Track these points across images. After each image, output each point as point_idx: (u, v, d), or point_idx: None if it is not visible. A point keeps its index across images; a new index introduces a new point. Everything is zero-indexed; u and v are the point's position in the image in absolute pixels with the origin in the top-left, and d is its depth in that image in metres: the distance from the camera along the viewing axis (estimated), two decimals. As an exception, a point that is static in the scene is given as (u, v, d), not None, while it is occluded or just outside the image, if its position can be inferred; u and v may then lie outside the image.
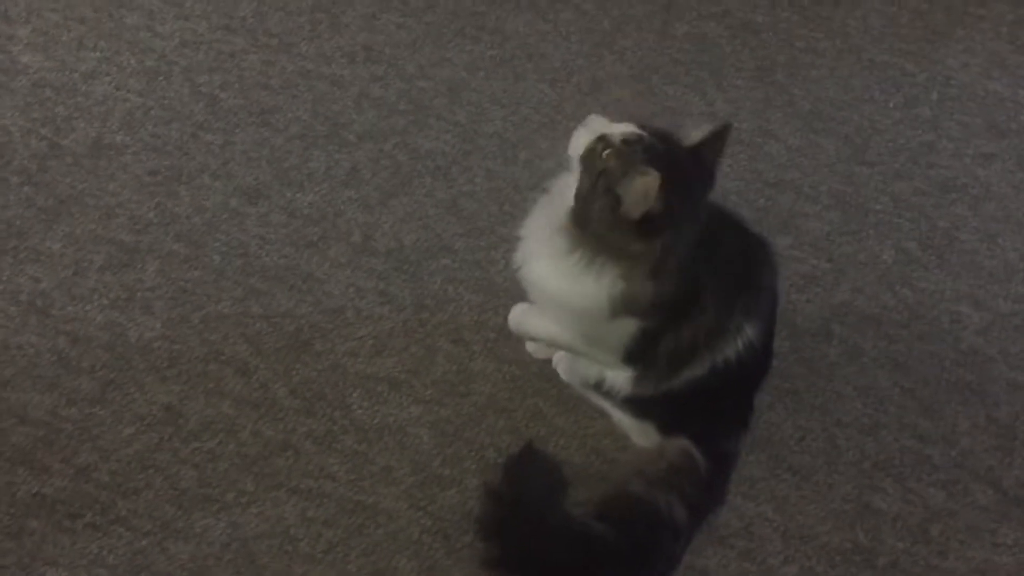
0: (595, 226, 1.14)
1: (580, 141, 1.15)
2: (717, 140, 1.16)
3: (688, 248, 1.16)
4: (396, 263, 1.53)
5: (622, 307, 1.18)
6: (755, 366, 1.27)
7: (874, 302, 1.51)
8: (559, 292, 1.21)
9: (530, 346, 1.46)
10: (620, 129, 1.14)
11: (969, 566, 1.28)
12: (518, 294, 1.30)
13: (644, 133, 1.13)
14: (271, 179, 1.60)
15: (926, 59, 1.83)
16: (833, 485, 1.34)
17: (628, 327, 1.21)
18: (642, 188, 1.08)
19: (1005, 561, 1.28)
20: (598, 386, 1.33)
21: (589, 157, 1.14)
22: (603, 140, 1.13)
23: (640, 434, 1.37)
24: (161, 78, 1.70)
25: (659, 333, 1.22)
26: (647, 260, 1.15)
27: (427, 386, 1.42)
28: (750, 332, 1.20)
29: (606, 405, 1.37)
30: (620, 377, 1.29)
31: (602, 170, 1.11)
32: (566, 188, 1.18)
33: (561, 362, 1.42)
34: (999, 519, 1.32)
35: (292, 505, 1.31)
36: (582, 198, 1.14)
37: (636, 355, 1.25)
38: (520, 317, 1.38)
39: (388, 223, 1.57)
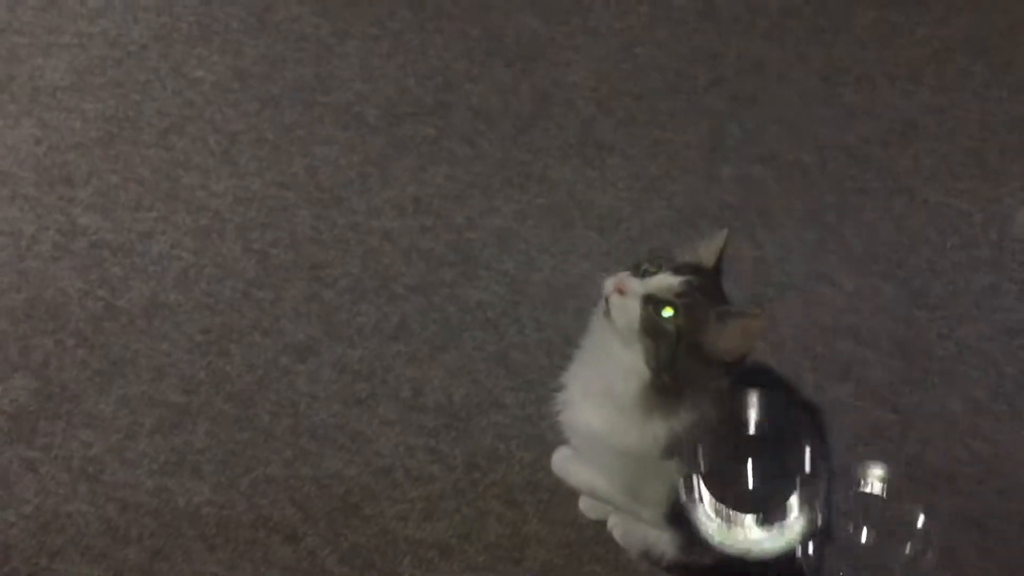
0: (683, 383, 1.11)
1: (623, 313, 1.12)
2: (723, 250, 1.16)
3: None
4: (446, 420, 1.50)
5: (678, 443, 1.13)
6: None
7: (946, 455, 1.44)
8: (606, 431, 1.17)
9: (583, 504, 1.41)
10: (655, 284, 1.12)
11: None
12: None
13: (683, 278, 1.11)
14: (321, 335, 1.60)
15: (982, 198, 1.80)
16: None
17: (674, 474, 1.15)
18: (745, 329, 1.08)
19: None
20: (647, 554, 1.28)
21: (650, 324, 1.11)
22: (651, 301, 1.10)
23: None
24: (215, 235, 1.74)
25: None
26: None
27: (479, 552, 1.37)
28: None
29: None
30: (665, 538, 1.24)
31: (677, 331, 1.09)
32: (607, 353, 1.15)
33: (617, 526, 1.37)
34: None
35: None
36: (661, 363, 1.11)
37: (681, 512, 1.19)
38: (562, 463, 1.34)
39: (438, 378, 1.55)
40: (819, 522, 1.08)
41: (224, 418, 1.50)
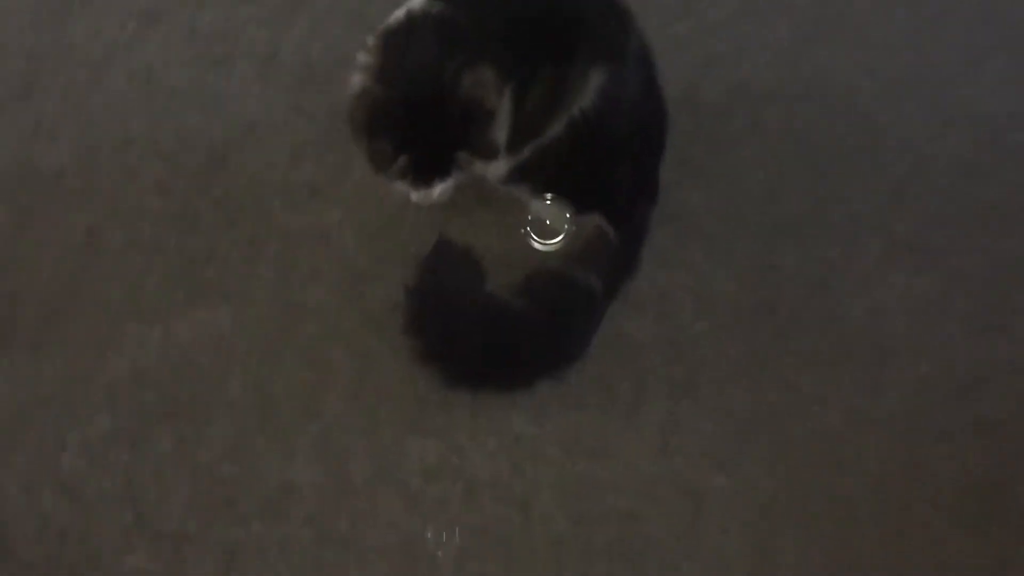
0: None
1: None
2: None
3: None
4: (305, 75, 1.53)
5: None
6: (635, 122, 1.33)
7: (774, 78, 1.56)
8: None
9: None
10: None
11: (864, 309, 1.38)
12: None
13: None
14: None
15: None
16: (739, 249, 1.42)
17: None
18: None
19: (895, 303, 1.39)
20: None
21: None
22: None
23: (555, 218, 1.42)
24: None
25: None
26: None
27: (347, 190, 1.44)
28: (600, 79, 1.24)
29: (521, 196, 1.42)
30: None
31: None
32: None
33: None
34: (890, 266, 1.41)
35: (224, 311, 1.35)
36: None
37: None
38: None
39: (293, 37, 1.56)
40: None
41: (75, 85, 1.48)
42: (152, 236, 1.38)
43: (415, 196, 1.43)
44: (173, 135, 1.46)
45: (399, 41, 1.24)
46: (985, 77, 1.57)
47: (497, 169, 1.35)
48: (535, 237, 1.29)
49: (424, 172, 1.23)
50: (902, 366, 1.34)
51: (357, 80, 1.24)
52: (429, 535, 1.23)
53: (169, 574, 1.20)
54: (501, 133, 1.24)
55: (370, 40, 1.25)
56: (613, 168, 1.35)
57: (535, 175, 1.36)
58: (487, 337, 1.31)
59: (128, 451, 1.26)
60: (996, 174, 1.48)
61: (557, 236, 1.28)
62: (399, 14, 1.25)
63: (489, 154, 1.22)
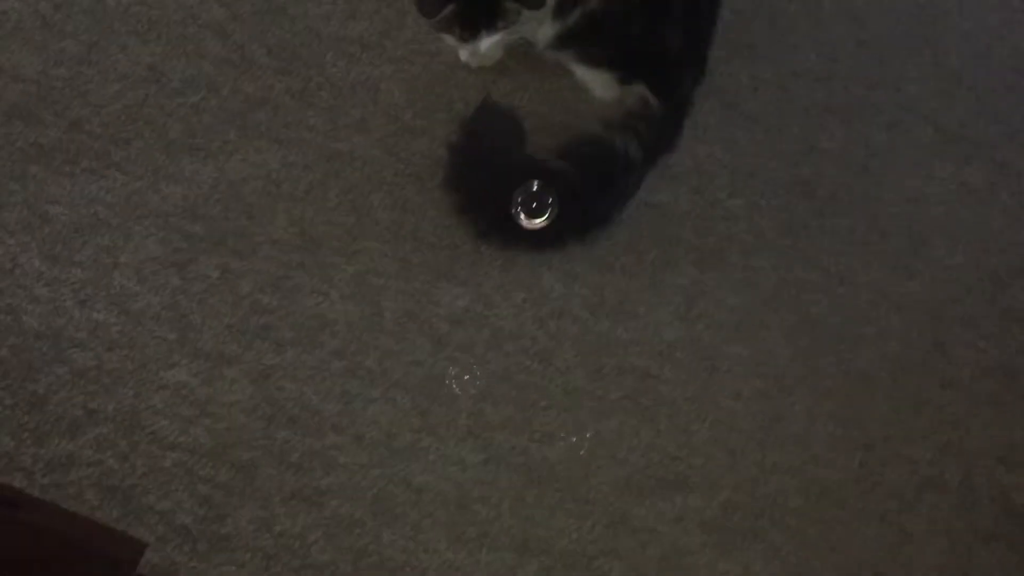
0: None
1: None
2: None
3: None
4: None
5: None
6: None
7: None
8: None
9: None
10: None
11: (903, 195, 1.38)
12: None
13: None
14: None
15: None
16: (783, 128, 1.42)
17: None
18: None
19: (936, 191, 1.38)
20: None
21: None
22: None
23: (601, 86, 1.43)
24: None
25: None
26: None
27: (398, 46, 1.47)
28: None
29: (568, 63, 1.43)
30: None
31: None
32: None
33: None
34: (936, 155, 1.40)
35: (273, 153, 1.40)
36: None
37: None
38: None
39: None
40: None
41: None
42: (209, 77, 1.43)
43: (464, 54, 1.45)
44: (234, -19, 1.50)
45: None
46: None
47: (545, 33, 1.36)
48: (523, 215, 1.30)
49: (471, 20, 1.25)
50: (936, 253, 1.34)
51: None
52: (452, 374, 1.29)
53: (207, 388, 1.28)
54: None
55: None
56: (662, 38, 1.35)
57: (582, 41, 1.37)
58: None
59: (176, 275, 1.33)
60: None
61: (544, 214, 1.30)
62: None
63: (536, 4, 1.23)
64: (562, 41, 1.37)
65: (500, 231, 1.35)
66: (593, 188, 1.34)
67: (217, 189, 1.38)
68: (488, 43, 1.30)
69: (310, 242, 1.36)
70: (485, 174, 1.37)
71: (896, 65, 1.45)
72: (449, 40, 1.33)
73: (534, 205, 1.30)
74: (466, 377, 1.30)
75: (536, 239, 1.35)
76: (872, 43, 1.47)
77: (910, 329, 1.30)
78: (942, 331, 1.29)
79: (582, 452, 1.27)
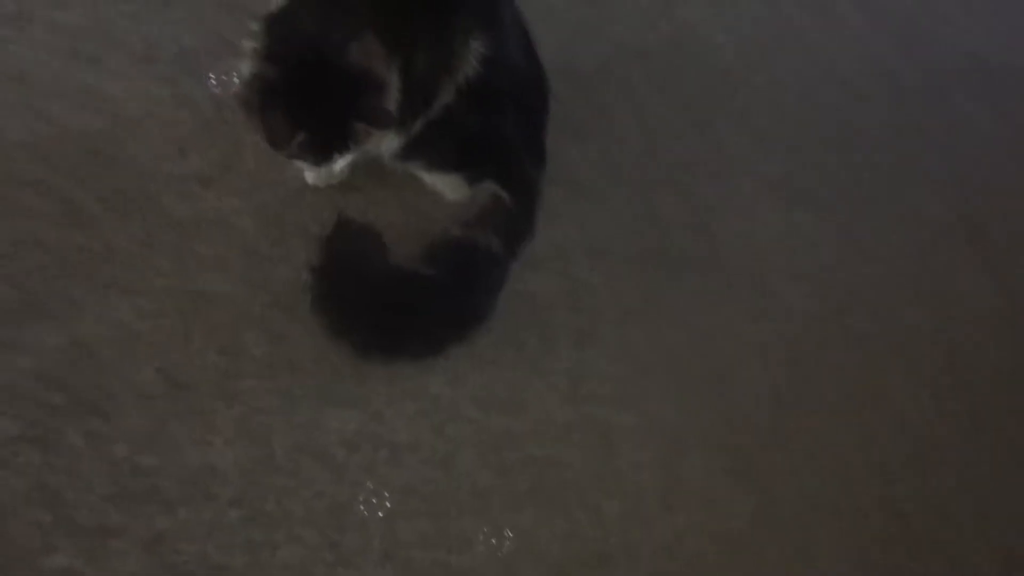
0: None
1: None
2: None
3: None
4: (182, 67, 1.52)
5: None
6: (518, 89, 1.39)
7: (640, 39, 1.65)
8: None
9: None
10: None
11: (740, 243, 1.49)
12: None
13: None
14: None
15: None
16: (621, 202, 1.51)
17: None
18: None
19: (765, 233, 1.50)
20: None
21: None
22: None
23: (452, 188, 1.47)
24: None
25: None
26: None
27: (240, 177, 1.45)
28: (481, 47, 1.31)
29: (417, 172, 1.46)
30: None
31: None
32: None
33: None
34: (758, 199, 1.53)
35: (126, 305, 1.33)
36: None
37: None
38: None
39: (167, 30, 1.55)
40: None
41: (-58, 90, 1.43)
42: (38, 235, 1.35)
43: (311, 177, 1.45)
44: (51, 136, 1.42)
45: (283, 21, 1.26)
46: (837, 32, 1.71)
47: (390, 146, 1.39)
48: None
49: (323, 145, 1.25)
50: (780, 293, 1.46)
51: (245, 67, 1.25)
52: (360, 499, 1.26)
53: (93, 567, 1.18)
54: (392, 102, 1.28)
55: (254, 26, 1.27)
56: (502, 134, 1.41)
57: (428, 149, 1.40)
58: (396, 303, 1.34)
59: (38, 452, 1.23)
60: (838, 110, 1.62)
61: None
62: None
63: (384, 122, 1.26)
64: (408, 151, 1.40)
65: (379, 345, 1.34)
66: (462, 288, 1.37)
67: (68, 353, 1.29)
68: (340, 164, 1.31)
69: (182, 390, 1.29)
70: (353, 292, 1.36)
71: (710, 128, 1.58)
72: (300, 165, 1.33)
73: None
74: (373, 500, 1.27)
75: (416, 347, 1.35)
76: (685, 109, 1.60)
77: (772, 368, 1.40)
78: (800, 364, 1.40)
79: (500, 554, 1.27)
